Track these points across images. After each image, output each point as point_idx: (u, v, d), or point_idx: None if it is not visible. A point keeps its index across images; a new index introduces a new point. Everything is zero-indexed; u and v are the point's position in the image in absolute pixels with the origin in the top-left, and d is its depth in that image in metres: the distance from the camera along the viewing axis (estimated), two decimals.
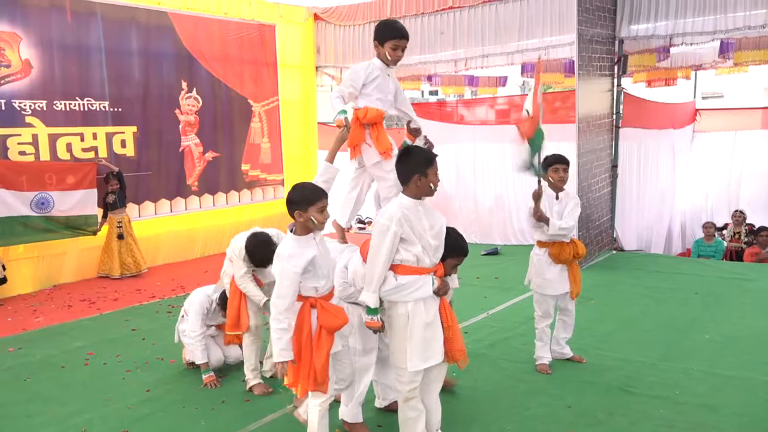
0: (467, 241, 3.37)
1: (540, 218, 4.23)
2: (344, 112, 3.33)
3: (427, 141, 3.67)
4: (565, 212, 4.27)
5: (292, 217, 3.00)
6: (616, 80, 8.34)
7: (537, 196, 4.20)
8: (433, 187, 3.07)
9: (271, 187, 9.91)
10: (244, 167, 9.56)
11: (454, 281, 3.38)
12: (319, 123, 10.72)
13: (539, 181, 4.20)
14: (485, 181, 9.84)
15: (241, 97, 9.45)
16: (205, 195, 9.12)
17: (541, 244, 4.38)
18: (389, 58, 3.46)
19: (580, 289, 4.43)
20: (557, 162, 4.26)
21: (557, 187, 4.29)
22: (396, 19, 3.59)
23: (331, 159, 3.33)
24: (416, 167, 3.04)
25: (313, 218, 2.95)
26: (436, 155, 3.14)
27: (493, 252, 8.74)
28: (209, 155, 9.13)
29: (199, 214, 9.04)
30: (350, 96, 3.47)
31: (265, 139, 9.83)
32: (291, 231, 3.03)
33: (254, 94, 9.63)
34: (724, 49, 8.19)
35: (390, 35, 3.45)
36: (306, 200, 2.96)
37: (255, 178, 9.70)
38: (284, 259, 2.94)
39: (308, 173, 9.98)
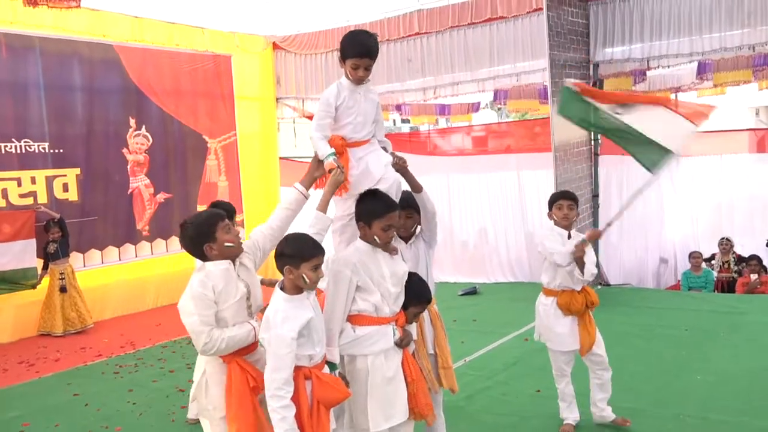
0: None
1: (579, 261, 3.98)
2: (333, 154, 3.11)
3: (397, 159, 3.40)
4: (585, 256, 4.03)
5: (281, 272, 2.83)
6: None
7: (596, 236, 4.06)
8: (378, 240, 3.04)
9: None
10: (200, 208, 9.49)
11: (415, 330, 3.33)
12: (281, 158, 10.75)
13: (609, 223, 4.10)
14: (462, 215, 9.93)
15: (195, 133, 9.45)
16: (157, 240, 9.00)
17: (548, 292, 4.19)
18: (350, 78, 3.24)
19: (594, 341, 4.15)
20: (562, 198, 4.15)
21: (563, 226, 4.12)
22: (364, 30, 3.32)
23: (323, 207, 3.14)
24: (362, 214, 3.06)
25: (304, 276, 2.78)
26: (393, 208, 3.10)
27: (471, 291, 8.72)
28: (161, 197, 9.04)
29: (150, 261, 8.90)
30: (331, 126, 3.25)
31: (223, 177, 9.81)
32: (281, 289, 2.85)
33: (209, 129, 9.64)
34: (702, 70, 8.42)
35: (350, 52, 3.20)
36: (299, 255, 2.79)
37: None
38: (277, 324, 2.73)
39: (270, 213, 9.90)
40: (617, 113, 4.06)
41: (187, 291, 2.99)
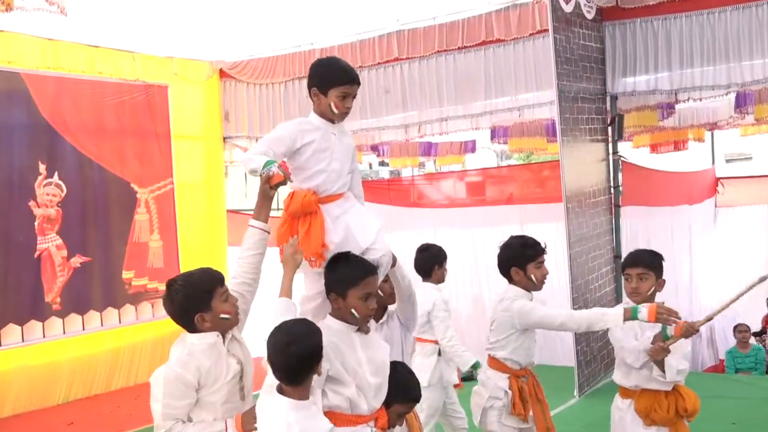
0: None
1: (658, 360, 3.74)
2: (271, 162, 3.15)
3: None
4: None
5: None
6: (611, 146, 8.65)
7: (690, 333, 3.69)
8: (357, 315, 3.06)
9: None
10: (127, 275, 9.41)
11: None
12: (228, 211, 10.69)
13: (710, 317, 3.92)
14: (454, 279, 9.81)
15: (121, 180, 9.42)
16: (71, 315, 8.85)
17: (624, 392, 3.98)
18: (336, 111, 3.31)
19: None
20: (629, 265, 4.01)
21: (636, 301, 3.91)
22: (338, 58, 3.49)
23: (287, 292, 3.16)
24: (334, 283, 3.09)
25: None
26: (371, 271, 3.11)
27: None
28: (76, 261, 8.94)
29: (62, 343, 8.73)
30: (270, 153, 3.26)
31: (155, 235, 9.74)
32: (279, 392, 2.86)
33: (139, 176, 9.61)
34: (742, 103, 8.63)
35: (336, 80, 3.31)
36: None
37: (141, 289, 9.53)
38: None
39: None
40: None
41: (165, 367, 2.98)
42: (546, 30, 7.86)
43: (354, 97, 3.36)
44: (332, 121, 3.38)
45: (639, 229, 9.47)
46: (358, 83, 3.38)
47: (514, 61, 8.81)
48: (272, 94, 10.34)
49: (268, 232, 3.30)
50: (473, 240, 9.82)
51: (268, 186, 3.19)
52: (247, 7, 8.58)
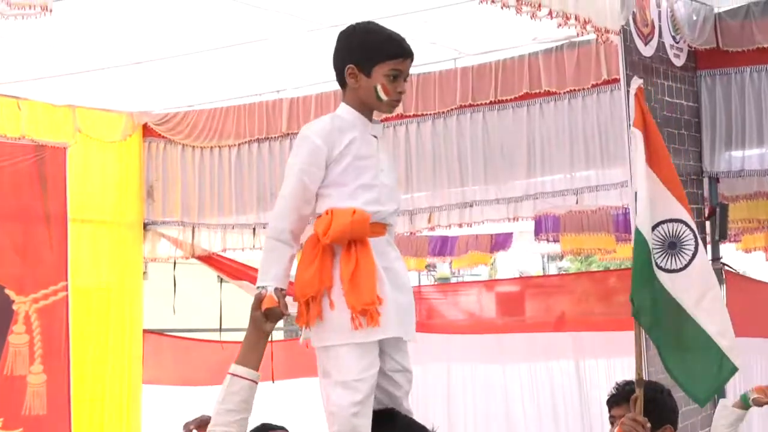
0: None
1: None
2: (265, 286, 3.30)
3: None
4: None
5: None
6: (709, 249, 8.42)
7: None
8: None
9: None
10: None
11: None
12: (147, 332, 10.58)
13: None
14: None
15: None
16: None
17: None
18: (385, 97, 3.45)
19: None
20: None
21: None
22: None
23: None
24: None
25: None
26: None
27: None
28: None
29: None
30: (308, 204, 3.41)
31: (37, 366, 9.54)
32: None
33: (18, 278, 9.53)
34: None
35: (385, 51, 3.45)
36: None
37: None
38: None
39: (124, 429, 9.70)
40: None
41: None
42: (616, 80, 7.82)
43: (406, 78, 3.51)
44: (369, 117, 3.52)
45: (753, 366, 9.25)
46: (413, 57, 3.52)
47: (569, 123, 8.70)
48: (218, 161, 10.18)
49: (257, 382, 3.32)
50: (504, 379, 9.76)
51: (259, 313, 3.28)
52: (184, 39, 8.41)
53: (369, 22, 3.57)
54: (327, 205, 3.38)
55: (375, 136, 3.51)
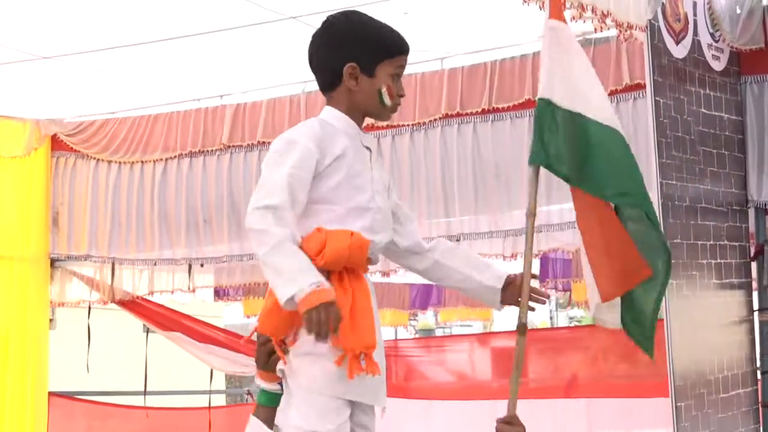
0: None
1: None
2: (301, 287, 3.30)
3: None
4: None
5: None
6: (757, 298, 8.42)
7: None
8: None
9: None
10: None
11: None
12: (52, 394, 10.37)
13: None
14: None
15: None
16: None
17: None
18: (389, 102, 3.66)
19: None
20: None
21: None
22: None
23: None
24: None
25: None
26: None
27: None
28: None
29: None
30: (294, 215, 3.46)
31: None
32: None
33: None
34: None
35: (388, 49, 3.66)
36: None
37: None
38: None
39: None
40: None
41: None
42: (640, 86, 7.82)
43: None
44: (360, 125, 3.74)
45: None
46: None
47: None
48: (139, 179, 10.00)
49: None
50: None
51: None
52: (105, 30, 8.42)
53: (359, 13, 3.75)
54: (314, 224, 3.55)
55: (368, 148, 3.71)
